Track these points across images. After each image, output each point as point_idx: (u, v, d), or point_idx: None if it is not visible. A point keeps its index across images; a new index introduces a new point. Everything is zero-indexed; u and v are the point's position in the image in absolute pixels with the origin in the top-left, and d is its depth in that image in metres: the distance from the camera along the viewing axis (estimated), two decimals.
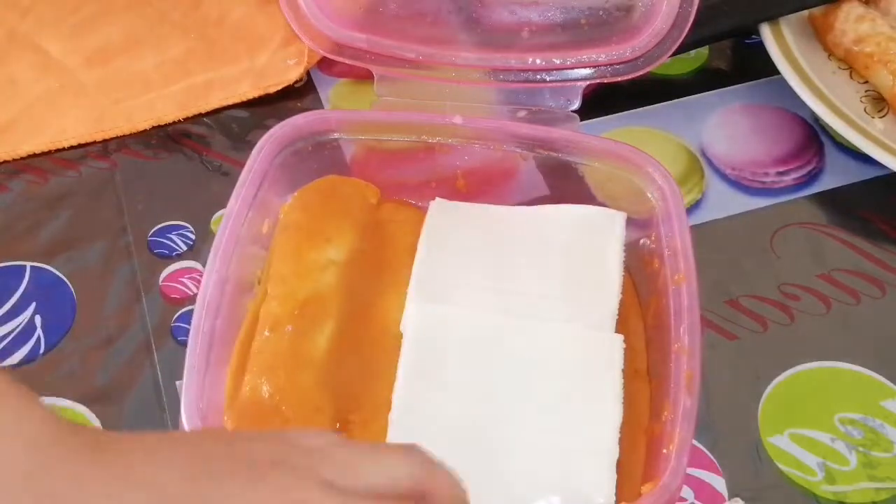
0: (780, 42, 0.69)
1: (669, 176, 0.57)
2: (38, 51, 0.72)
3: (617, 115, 0.70)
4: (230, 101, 0.70)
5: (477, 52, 0.65)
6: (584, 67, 0.63)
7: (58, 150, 0.67)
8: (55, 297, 0.60)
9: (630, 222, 0.58)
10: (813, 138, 0.69)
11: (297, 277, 0.55)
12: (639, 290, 0.58)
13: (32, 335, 0.59)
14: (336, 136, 0.61)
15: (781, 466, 0.54)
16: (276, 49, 0.72)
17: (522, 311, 0.54)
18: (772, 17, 0.70)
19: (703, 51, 0.74)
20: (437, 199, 0.60)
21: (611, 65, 0.63)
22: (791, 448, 0.54)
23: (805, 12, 0.72)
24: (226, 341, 0.53)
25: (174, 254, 0.62)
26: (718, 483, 0.53)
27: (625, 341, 0.54)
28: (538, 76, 0.64)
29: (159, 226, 0.63)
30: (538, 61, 0.64)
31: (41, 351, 0.58)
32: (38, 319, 0.59)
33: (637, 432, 0.52)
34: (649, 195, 0.57)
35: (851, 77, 0.70)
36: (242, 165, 0.57)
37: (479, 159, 0.62)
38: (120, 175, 0.66)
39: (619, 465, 0.49)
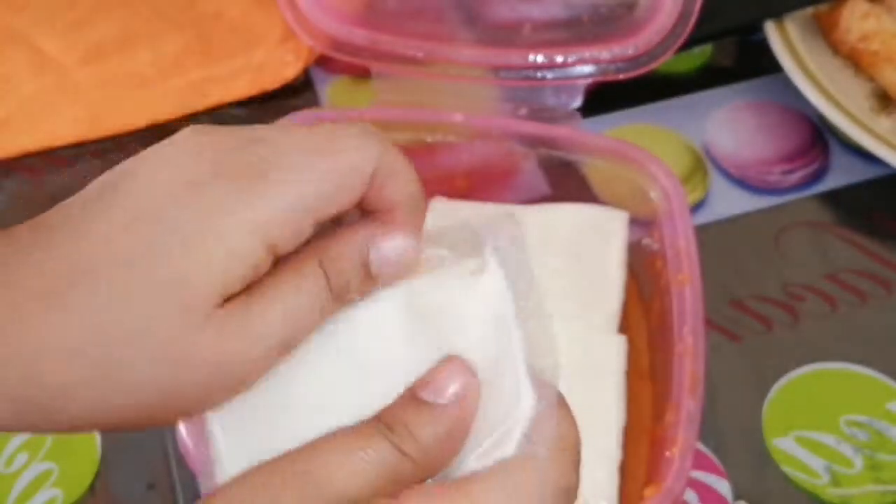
0: (785, 39, 0.68)
1: (673, 175, 0.56)
2: (32, 48, 0.72)
3: (619, 112, 0.69)
4: (227, 99, 0.69)
5: (477, 48, 0.64)
6: (586, 64, 0.62)
7: (52, 149, 0.67)
8: None
9: (633, 222, 0.58)
10: (818, 137, 0.68)
11: None
12: (642, 291, 0.57)
13: None
14: None
15: (786, 469, 0.53)
16: (274, 46, 0.71)
17: None
18: (776, 14, 0.69)
19: (707, 48, 0.74)
20: (437, 197, 0.59)
21: (613, 62, 0.62)
22: (796, 451, 0.54)
23: (810, 9, 0.71)
24: None
25: None
26: (722, 486, 0.53)
27: (628, 343, 0.53)
28: (539, 73, 0.63)
29: None
30: (540, 58, 0.63)
31: None
32: None
33: (640, 435, 0.51)
34: (652, 194, 0.57)
35: (857, 75, 0.69)
36: None
37: (479, 158, 0.61)
38: None
39: (622, 468, 0.49)
